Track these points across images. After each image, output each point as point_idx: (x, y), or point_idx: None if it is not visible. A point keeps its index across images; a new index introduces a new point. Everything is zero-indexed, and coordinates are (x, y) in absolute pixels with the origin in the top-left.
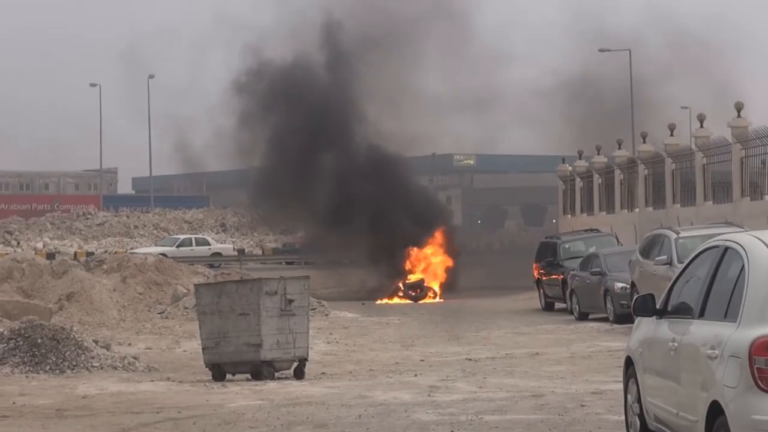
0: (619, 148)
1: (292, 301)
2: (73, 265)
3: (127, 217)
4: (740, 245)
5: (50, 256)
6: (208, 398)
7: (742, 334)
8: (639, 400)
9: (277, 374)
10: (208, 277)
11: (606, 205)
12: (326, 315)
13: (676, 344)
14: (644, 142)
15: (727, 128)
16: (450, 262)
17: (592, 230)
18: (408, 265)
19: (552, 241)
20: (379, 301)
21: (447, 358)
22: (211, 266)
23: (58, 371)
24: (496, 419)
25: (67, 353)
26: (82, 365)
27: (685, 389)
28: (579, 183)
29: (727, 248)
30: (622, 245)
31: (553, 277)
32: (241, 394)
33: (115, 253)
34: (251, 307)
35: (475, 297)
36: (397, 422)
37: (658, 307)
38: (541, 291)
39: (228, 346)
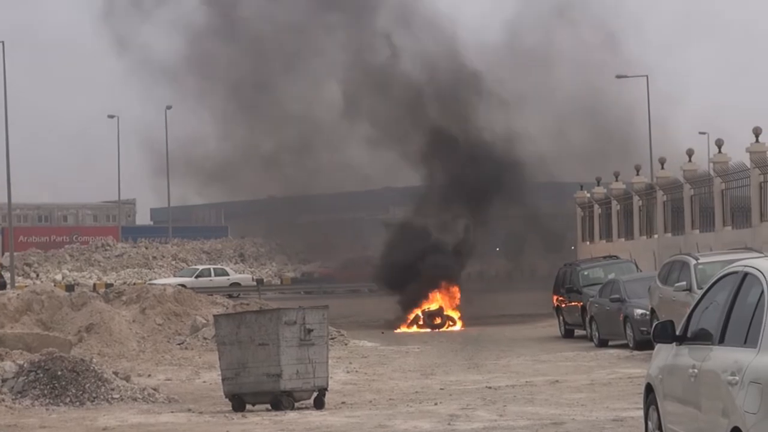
0: (638, 174)
1: (312, 330)
2: (93, 297)
3: (146, 248)
4: (760, 271)
5: (69, 287)
6: (228, 429)
7: (762, 359)
8: (660, 427)
9: (297, 404)
10: (227, 308)
11: (624, 231)
12: (345, 344)
13: (696, 370)
14: (662, 168)
15: (746, 153)
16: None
17: (611, 257)
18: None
19: (571, 268)
20: (398, 330)
21: (467, 387)
22: (230, 296)
23: (78, 403)
24: None
25: (87, 385)
26: (102, 397)
27: (705, 415)
28: (597, 209)
29: (746, 274)
30: (641, 271)
31: (573, 304)
32: (261, 425)
33: (134, 284)
34: (270, 337)
35: (495, 325)
36: None
37: (677, 333)
38: (561, 318)
39: (248, 377)
